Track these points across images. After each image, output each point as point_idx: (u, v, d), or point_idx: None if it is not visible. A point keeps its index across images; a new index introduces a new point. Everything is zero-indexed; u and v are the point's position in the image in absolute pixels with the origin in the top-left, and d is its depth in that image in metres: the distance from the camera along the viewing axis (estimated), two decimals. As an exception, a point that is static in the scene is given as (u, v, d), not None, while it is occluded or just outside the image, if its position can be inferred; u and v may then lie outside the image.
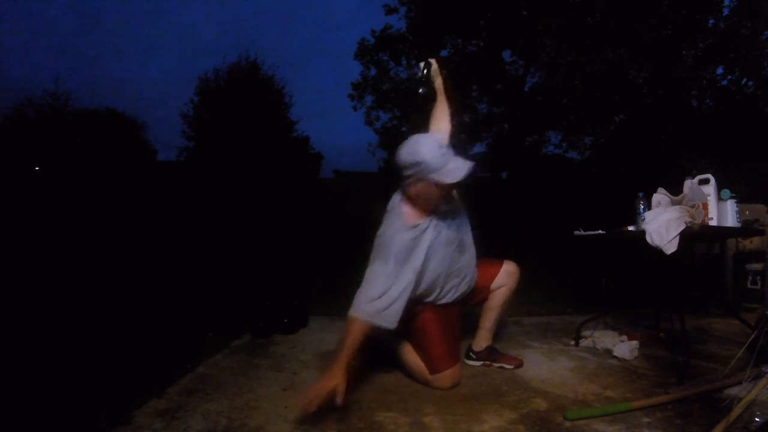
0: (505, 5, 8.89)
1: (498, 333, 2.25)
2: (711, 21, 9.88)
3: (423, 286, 1.64)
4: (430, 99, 1.95)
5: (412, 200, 1.63)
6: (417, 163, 1.54)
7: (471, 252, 1.80)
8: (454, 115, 1.94)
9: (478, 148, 11.67)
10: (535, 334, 2.49)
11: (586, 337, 2.24)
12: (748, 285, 3.10)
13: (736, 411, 1.35)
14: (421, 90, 1.93)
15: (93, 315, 2.68)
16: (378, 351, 1.79)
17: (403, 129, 10.29)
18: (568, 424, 1.38)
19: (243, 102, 15.55)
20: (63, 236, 6.31)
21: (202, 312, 2.80)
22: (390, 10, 9.86)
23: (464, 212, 1.79)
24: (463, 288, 1.78)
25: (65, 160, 13.87)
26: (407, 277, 1.54)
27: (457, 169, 1.53)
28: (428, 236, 1.60)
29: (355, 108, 10.45)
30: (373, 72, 10.28)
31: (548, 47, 8.50)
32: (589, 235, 2.17)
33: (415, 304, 1.67)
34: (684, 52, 8.01)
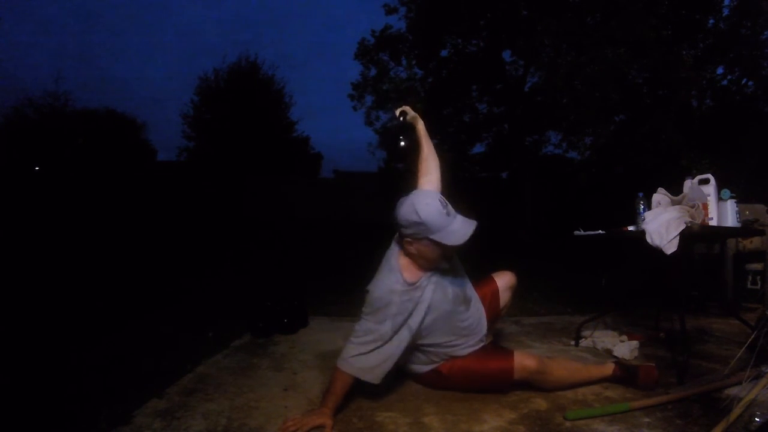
0: (505, 5, 8.89)
1: (498, 333, 2.25)
2: (711, 21, 9.88)
3: (431, 347, 1.57)
4: (413, 149, 1.79)
5: (410, 255, 1.51)
6: (417, 223, 1.43)
7: (477, 306, 1.70)
8: (443, 166, 1.77)
9: (478, 148, 11.70)
10: (535, 334, 2.49)
11: (586, 337, 2.24)
12: (748, 285, 3.10)
13: (736, 411, 1.35)
14: (402, 143, 1.76)
15: (93, 315, 2.68)
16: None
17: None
18: (568, 424, 1.38)
19: (243, 102, 15.55)
20: (63, 236, 6.31)
21: (202, 312, 2.80)
22: (390, 10, 9.86)
23: (461, 266, 1.67)
24: (475, 339, 1.64)
25: (65, 160, 13.86)
26: (402, 338, 1.47)
27: (460, 230, 1.44)
28: (428, 294, 1.49)
29: (355, 108, 10.45)
30: (373, 72, 10.28)
31: (548, 47, 8.50)
32: (589, 235, 2.17)
33: (437, 361, 1.61)
34: (684, 52, 8.01)
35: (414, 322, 1.48)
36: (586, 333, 2.28)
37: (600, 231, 2.17)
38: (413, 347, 1.57)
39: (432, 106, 10.13)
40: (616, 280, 3.30)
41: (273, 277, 4.25)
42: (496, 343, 2.03)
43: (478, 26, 9.68)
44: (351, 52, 10.29)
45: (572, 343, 2.26)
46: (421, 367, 1.64)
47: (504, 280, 1.86)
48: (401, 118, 1.77)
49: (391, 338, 1.46)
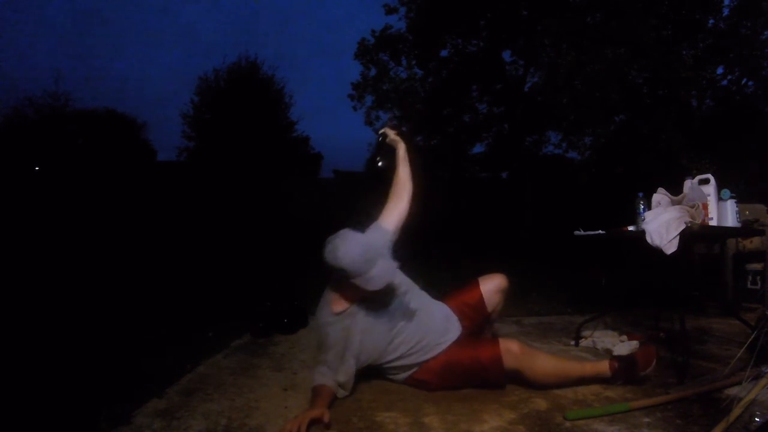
0: (505, 5, 8.89)
1: (498, 333, 2.25)
2: (711, 21, 9.89)
3: (388, 363, 1.62)
4: (391, 170, 1.79)
5: (338, 286, 1.57)
6: (337, 267, 1.49)
7: (430, 311, 1.69)
8: (416, 192, 1.77)
9: (478, 148, 11.70)
10: (535, 334, 2.49)
11: (586, 337, 2.24)
12: (748, 285, 3.10)
13: (736, 411, 1.35)
14: (380, 162, 1.78)
15: (93, 315, 2.68)
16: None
17: (404, 129, 10.28)
18: (568, 424, 1.38)
19: (243, 102, 15.54)
20: (63, 236, 6.31)
21: (202, 312, 2.80)
22: (390, 10, 9.86)
23: (402, 277, 1.69)
24: (437, 342, 1.64)
25: (65, 160, 13.87)
26: (349, 364, 1.54)
27: (378, 276, 1.48)
28: (359, 320, 1.55)
29: (355, 108, 10.46)
30: (373, 72, 10.29)
31: (548, 47, 8.51)
32: (589, 235, 2.17)
33: (410, 369, 1.63)
34: (684, 52, 8.02)
35: (352, 348, 1.54)
36: (586, 333, 2.28)
37: (600, 231, 2.17)
38: (376, 366, 1.63)
39: (432, 106, 10.13)
40: (616, 280, 3.30)
41: (273, 277, 4.25)
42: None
43: (478, 26, 9.69)
44: (351, 52, 10.31)
45: (572, 343, 2.26)
46: (398, 377, 1.68)
47: (491, 284, 1.84)
48: (381, 138, 1.79)
49: (338, 367, 1.54)
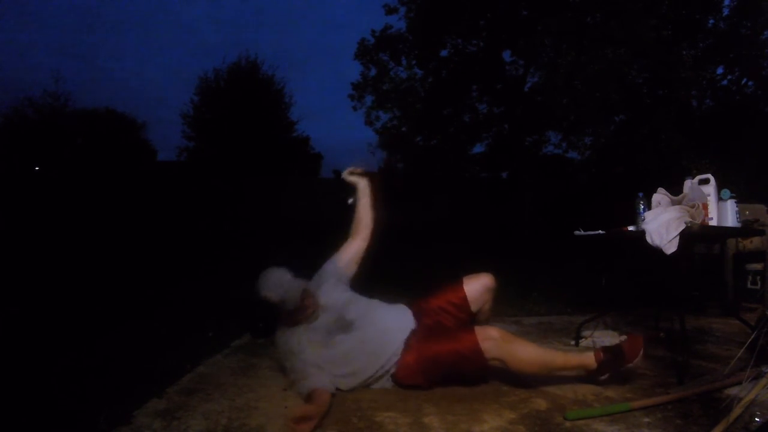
0: (505, 5, 8.90)
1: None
2: (711, 21, 9.90)
3: (358, 374, 1.65)
4: (356, 206, 1.96)
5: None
6: (261, 299, 1.73)
7: (371, 318, 1.72)
8: (375, 231, 1.92)
9: (478, 148, 11.71)
10: (535, 334, 2.49)
11: (586, 337, 2.24)
12: (748, 285, 3.10)
13: (736, 411, 1.35)
14: (349, 200, 1.96)
15: (93, 315, 2.68)
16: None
17: (403, 129, 10.30)
18: (568, 424, 1.38)
19: (243, 102, 15.54)
20: (63, 236, 6.31)
21: (202, 312, 2.80)
22: (390, 10, 9.87)
23: (342, 289, 1.79)
24: (387, 344, 1.67)
25: (65, 160, 13.87)
26: (313, 373, 1.59)
27: (290, 299, 1.68)
28: (300, 333, 1.67)
29: (355, 108, 10.48)
30: (373, 72, 10.29)
31: (548, 47, 8.51)
32: (589, 235, 2.17)
33: (384, 373, 1.66)
34: (684, 52, 8.02)
35: (306, 359, 1.62)
36: (586, 333, 2.28)
37: (600, 231, 2.16)
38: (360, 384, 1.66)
39: (432, 106, 10.14)
40: (616, 280, 3.30)
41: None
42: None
43: (478, 26, 9.69)
44: (351, 52, 10.32)
45: (572, 342, 2.26)
46: (383, 383, 1.68)
47: (476, 283, 1.85)
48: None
49: (307, 375, 1.58)
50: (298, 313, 1.68)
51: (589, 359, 1.63)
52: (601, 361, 1.61)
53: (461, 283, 1.86)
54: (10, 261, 4.45)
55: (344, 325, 1.69)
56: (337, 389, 1.60)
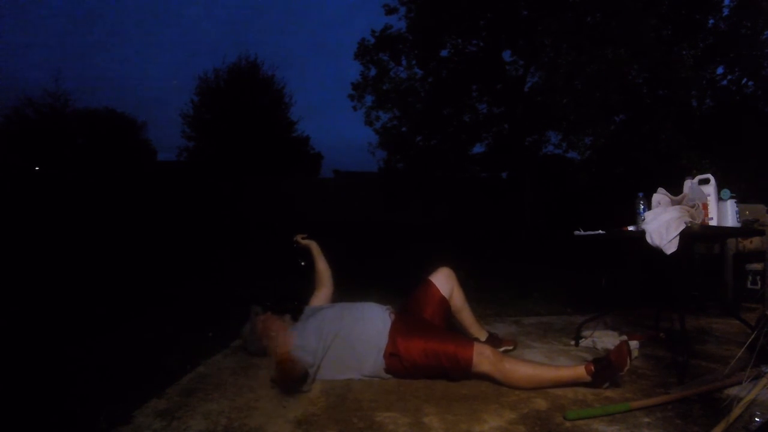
0: (505, 5, 8.89)
1: (499, 333, 2.25)
2: (711, 21, 9.89)
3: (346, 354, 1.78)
4: (311, 266, 2.27)
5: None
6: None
7: (332, 317, 1.88)
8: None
9: (478, 148, 11.70)
10: (535, 334, 2.49)
11: (586, 337, 2.24)
12: (748, 285, 3.10)
13: (736, 411, 1.35)
14: (303, 263, 2.26)
15: (93, 315, 2.68)
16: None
17: (403, 129, 10.30)
18: (568, 424, 1.38)
19: (243, 102, 15.55)
20: (63, 236, 6.31)
21: (202, 312, 2.80)
22: (390, 10, 9.84)
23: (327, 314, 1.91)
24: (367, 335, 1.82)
25: (65, 160, 13.87)
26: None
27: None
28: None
29: (355, 108, 10.43)
30: (373, 72, 10.26)
31: (548, 47, 8.50)
32: (589, 235, 2.17)
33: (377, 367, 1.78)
34: (684, 52, 7.99)
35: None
36: (586, 333, 2.28)
37: (600, 231, 2.17)
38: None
39: (432, 106, 10.13)
40: (616, 280, 3.30)
41: (273, 276, 4.25)
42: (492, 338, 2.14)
43: (478, 26, 9.67)
44: (351, 52, 10.29)
45: (572, 342, 2.26)
46: (373, 367, 1.78)
47: (439, 276, 2.08)
48: (295, 246, 2.28)
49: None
50: (269, 343, 1.76)
51: (581, 372, 1.65)
52: (592, 374, 1.64)
53: (430, 282, 2.07)
54: (10, 260, 4.45)
55: (329, 341, 1.81)
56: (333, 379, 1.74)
